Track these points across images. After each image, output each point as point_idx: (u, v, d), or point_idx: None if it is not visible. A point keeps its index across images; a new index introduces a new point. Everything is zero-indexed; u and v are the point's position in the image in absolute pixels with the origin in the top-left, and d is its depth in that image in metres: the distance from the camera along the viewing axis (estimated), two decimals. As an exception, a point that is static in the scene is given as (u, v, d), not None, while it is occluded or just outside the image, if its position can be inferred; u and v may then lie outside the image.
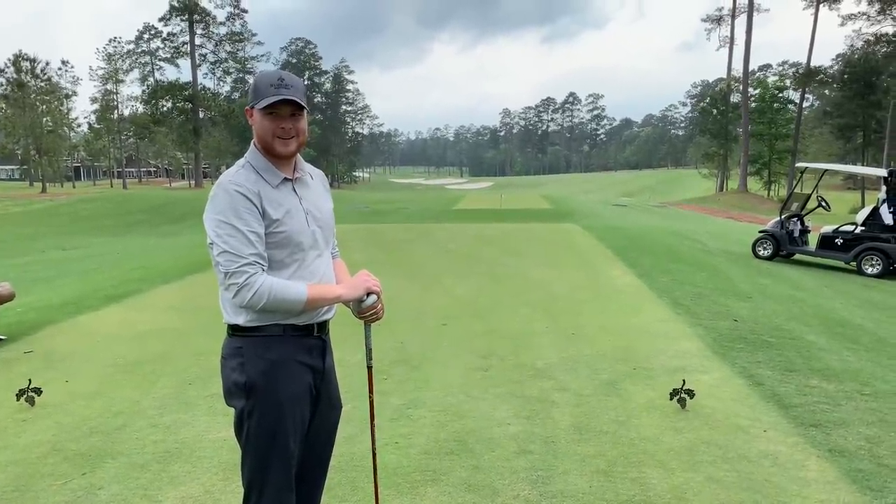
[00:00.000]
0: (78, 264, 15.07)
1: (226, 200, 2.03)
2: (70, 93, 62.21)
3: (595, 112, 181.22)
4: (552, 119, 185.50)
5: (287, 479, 2.16)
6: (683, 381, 4.40)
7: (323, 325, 2.26)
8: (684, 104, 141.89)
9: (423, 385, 4.85)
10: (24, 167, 61.17)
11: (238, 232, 2.00)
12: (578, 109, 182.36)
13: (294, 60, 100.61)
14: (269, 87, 2.04)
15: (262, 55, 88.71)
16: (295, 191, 2.18)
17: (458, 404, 4.44)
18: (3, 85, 52.47)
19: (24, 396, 4.45)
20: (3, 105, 51.32)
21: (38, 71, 53.81)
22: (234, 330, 2.14)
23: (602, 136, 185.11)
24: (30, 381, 4.57)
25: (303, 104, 2.09)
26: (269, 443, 2.11)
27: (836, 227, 13.60)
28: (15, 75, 51.73)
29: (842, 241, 13.22)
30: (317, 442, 2.33)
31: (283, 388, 2.12)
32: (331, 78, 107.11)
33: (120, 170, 79.65)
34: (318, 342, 2.24)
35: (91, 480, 3.39)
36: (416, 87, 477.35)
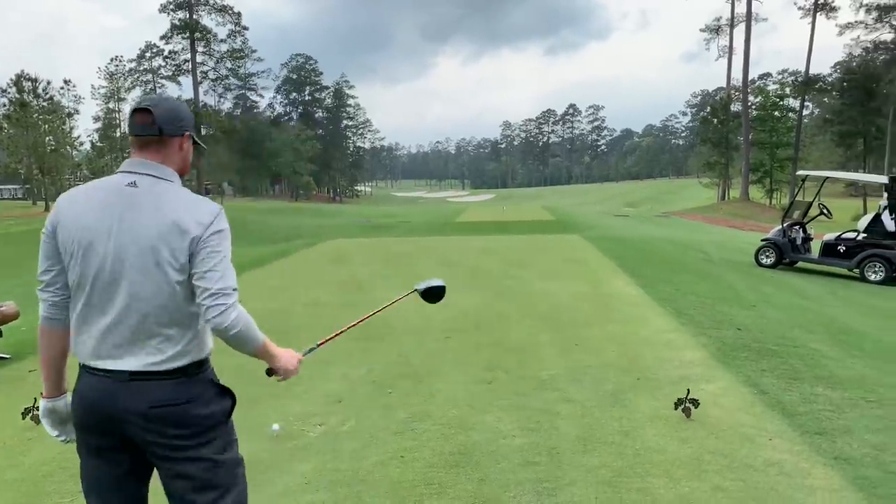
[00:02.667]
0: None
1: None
2: (72, 112, 62.57)
3: (595, 123, 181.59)
4: (553, 131, 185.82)
5: None
6: (688, 390, 4.40)
7: None
8: (685, 114, 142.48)
9: (427, 398, 4.85)
10: (27, 186, 61.43)
11: None
12: (579, 121, 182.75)
13: (294, 76, 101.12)
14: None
15: (263, 71, 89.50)
16: None
17: (462, 417, 4.44)
18: (5, 105, 52.95)
19: (30, 415, 4.46)
20: (6, 125, 51.64)
21: (39, 90, 54.18)
22: (198, 367, 2.01)
23: (603, 147, 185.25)
24: (35, 399, 4.57)
25: None
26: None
27: (839, 234, 13.61)
28: (17, 95, 52.09)
29: (844, 248, 13.24)
30: None
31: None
32: (332, 93, 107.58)
33: (123, 187, 79.57)
34: None
35: (97, 498, 3.39)
36: (417, 101, 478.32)
